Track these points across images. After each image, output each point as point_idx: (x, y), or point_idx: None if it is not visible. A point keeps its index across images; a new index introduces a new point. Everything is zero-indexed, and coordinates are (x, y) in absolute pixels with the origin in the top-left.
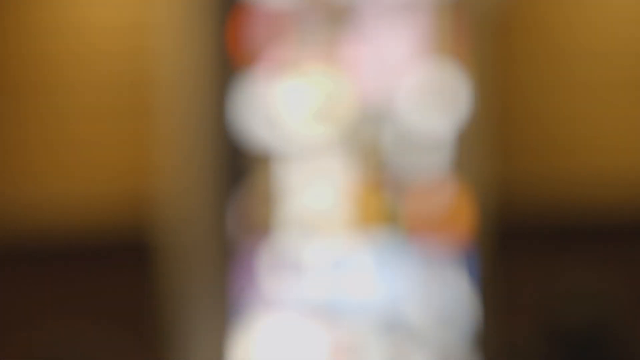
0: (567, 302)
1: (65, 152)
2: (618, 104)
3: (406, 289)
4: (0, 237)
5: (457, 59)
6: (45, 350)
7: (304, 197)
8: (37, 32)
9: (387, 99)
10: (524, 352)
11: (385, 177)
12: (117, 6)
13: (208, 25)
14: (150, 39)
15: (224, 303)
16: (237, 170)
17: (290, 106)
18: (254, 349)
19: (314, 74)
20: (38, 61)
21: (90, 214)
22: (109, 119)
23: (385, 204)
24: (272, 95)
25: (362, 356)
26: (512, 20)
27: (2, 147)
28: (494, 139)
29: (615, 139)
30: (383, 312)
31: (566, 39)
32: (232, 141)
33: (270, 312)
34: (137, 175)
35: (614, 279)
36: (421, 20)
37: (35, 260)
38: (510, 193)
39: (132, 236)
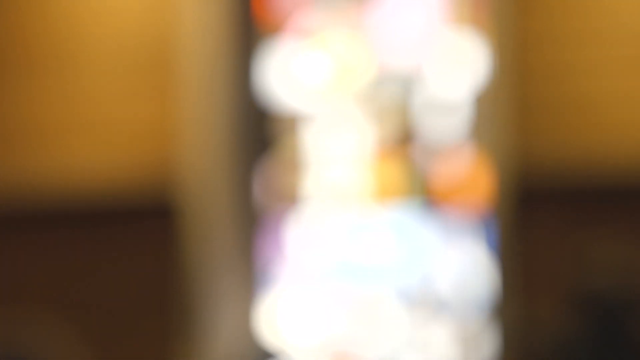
0: (590, 268)
1: (88, 116)
2: None
3: (426, 255)
4: (25, 202)
5: (476, 23)
6: (70, 314)
7: (329, 163)
8: None
9: (408, 64)
10: (543, 320)
11: (406, 143)
12: None
13: None
14: (175, 3)
15: (249, 269)
16: (262, 136)
17: (314, 71)
18: (280, 316)
19: (338, 40)
20: (61, 24)
21: (114, 178)
22: (133, 82)
23: (407, 170)
24: (297, 60)
25: (385, 324)
26: None
27: (24, 112)
28: (513, 103)
29: (638, 97)
30: (404, 280)
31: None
32: (258, 106)
33: (295, 279)
34: (162, 139)
35: (638, 243)
36: None
37: (59, 225)
38: (530, 157)
39: (156, 201)
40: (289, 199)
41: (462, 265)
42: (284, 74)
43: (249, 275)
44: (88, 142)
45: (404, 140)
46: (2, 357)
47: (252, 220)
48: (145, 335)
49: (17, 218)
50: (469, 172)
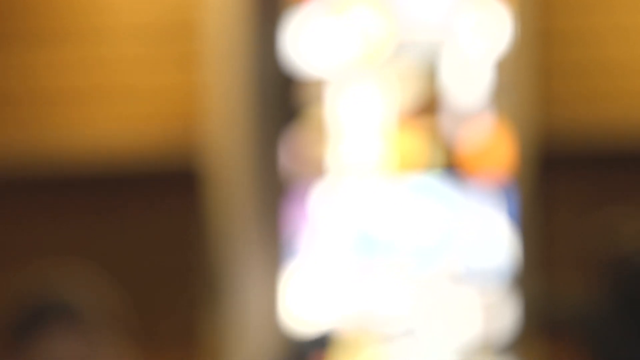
0: (613, 237)
1: (114, 84)
2: None
3: (449, 224)
4: (53, 168)
5: None
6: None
7: (354, 132)
8: None
9: (431, 31)
10: (565, 290)
11: (430, 111)
12: None
13: None
14: None
15: (274, 238)
16: (287, 104)
17: (338, 38)
18: (304, 287)
19: (362, 6)
20: (84, 7)
21: (139, 145)
22: (157, 49)
23: (430, 139)
24: (321, 27)
25: (407, 295)
26: None
27: (50, 80)
28: (536, 69)
29: None
30: (427, 250)
31: None
32: (283, 73)
33: (320, 249)
34: (187, 106)
35: None
36: None
37: (87, 191)
38: (552, 124)
39: (181, 168)
40: (315, 168)
41: (483, 234)
42: (308, 41)
43: (274, 244)
44: (113, 109)
45: (427, 108)
46: (45, 306)
47: (277, 189)
48: (170, 303)
49: (44, 184)
50: (490, 139)
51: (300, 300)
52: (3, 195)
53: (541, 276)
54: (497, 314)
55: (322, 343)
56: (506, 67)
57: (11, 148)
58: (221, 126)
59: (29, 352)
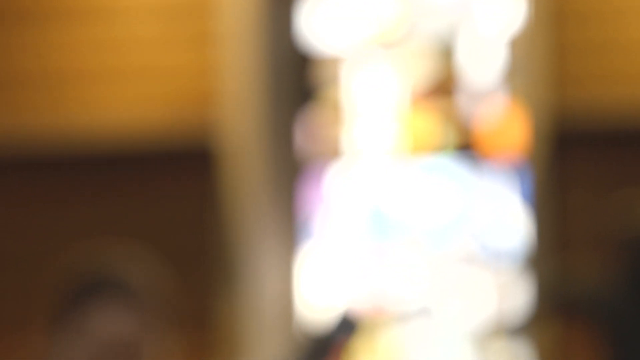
0: (627, 216)
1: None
2: None
3: (462, 204)
4: (69, 147)
5: None
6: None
7: (369, 112)
8: None
9: (446, 9)
10: (579, 270)
11: (444, 90)
12: None
13: None
14: None
15: (289, 216)
16: (303, 83)
17: (354, 17)
18: (318, 266)
19: None
20: None
21: (155, 123)
22: (172, 27)
23: (444, 118)
24: (337, 7)
25: (422, 274)
26: None
27: (69, 59)
28: (549, 48)
29: None
30: (441, 230)
31: None
32: (298, 51)
33: (335, 229)
34: (202, 84)
35: None
36: None
37: (101, 171)
38: (566, 103)
39: (198, 147)
40: (330, 149)
41: (497, 214)
42: (323, 19)
43: (289, 224)
44: (128, 89)
45: (441, 88)
46: (99, 282)
47: (292, 169)
48: (186, 284)
49: (57, 164)
50: (504, 119)
51: (316, 281)
52: (13, 175)
53: (555, 256)
54: (511, 294)
55: (337, 324)
56: (520, 46)
57: (23, 129)
58: (236, 105)
59: (82, 326)
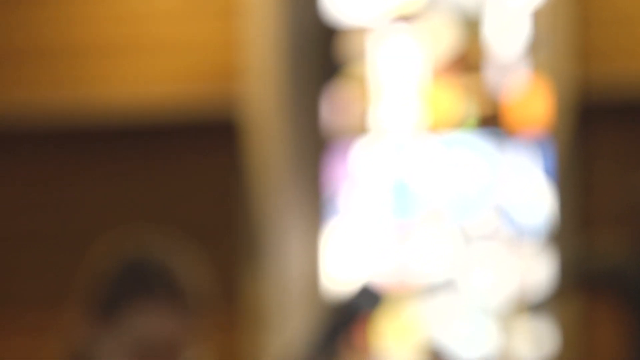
0: None
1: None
2: None
3: (486, 179)
4: (95, 119)
5: None
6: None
7: (394, 86)
8: None
9: None
10: (602, 245)
11: (467, 63)
12: None
13: None
14: None
15: (315, 192)
16: (328, 58)
17: None
18: (345, 240)
19: None
20: None
21: (181, 96)
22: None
23: (466, 93)
24: None
25: (443, 249)
26: None
27: (96, 31)
28: (573, 19)
29: None
30: (464, 205)
31: None
32: (324, 24)
33: (360, 203)
34: (228, 57)
35: None
36: None
37: (129, 143)
38: (590, 76)
39: (223, 120)
40: (355, 124)
41: (521, 188)
42: None
43: (314, 198)
44: (153, 62)
45: (465, 63)
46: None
47: (318, 143)
48: (211, 253)
49: (87, 131)
50: (527, 92)
51: (341, 256)
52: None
53: (579, 231)
54: (535, 268)
55: (363, 298)
56: (544, 19)
57: (44, 103)
58: (261, 79)
59: (124, 321)
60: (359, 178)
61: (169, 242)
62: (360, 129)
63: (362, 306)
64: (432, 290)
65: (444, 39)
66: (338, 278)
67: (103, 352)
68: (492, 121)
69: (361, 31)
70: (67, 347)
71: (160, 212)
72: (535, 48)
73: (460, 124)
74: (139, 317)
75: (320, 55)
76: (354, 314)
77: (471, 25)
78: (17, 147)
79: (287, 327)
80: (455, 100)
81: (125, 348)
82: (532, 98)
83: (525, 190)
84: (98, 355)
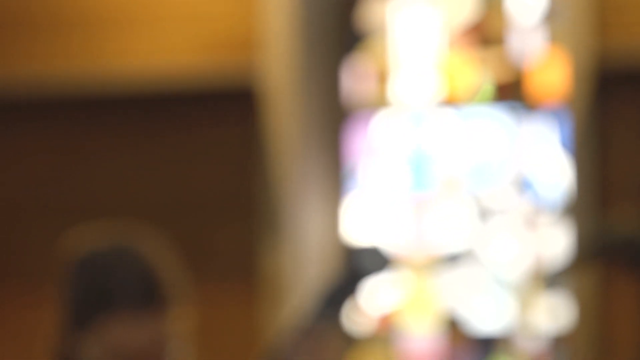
0: None
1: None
2: None
3: (504, 149)
4: (114, 87)
5: None
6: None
7: (413, 57)
8: None
9: None
10: (619, 216)
11: (486, 35)
12: None
13: None
14: None
15: (334, 163)
16: (349, 28)
17: None
18: (364, 212)
19: None
20: None
21: (201, 65)
22: None
23: (485, 63)
24: None
25: (462, 219)
26: None
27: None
28: None
29: None
30: (482, 174)
31: None
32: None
33: (380, 175)
34: (247, 23)
35: None
36: None
37: (147, 113)
38: (608, 43)
39: (243, 90)
40: (376, 96)
41: (538, 159)
42: None
43: (334, 170)
44: (172, 32)
45: (483, 31)
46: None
47: (338, 114)
48: (230, 225)
49: (104, 103)
50: (544, 61)
51: (360, 228)
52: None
53: (596, 201)
54: (552, 239)
55: (382, 269)
56: None
57: (62, 74)
58: (280, 48)
59: (101, 329)
60: (378, 150)
61: (143, 235)
62: (380, 101)
63: (368, 269)
64: (450, 262)
65: (463, 8)
66: (358, 249)
67: (85, 356)
68: (509, 92)
69: (381, 1)
70: (52, 350)
71: (178, 182)
72: (552, 17)
73: (478, 96)
74: (116, 324)
75: (339, 26)
76: (359, 277)
77: None
78: (37, 117)
79: (306, 299)
80: (473, 72)
81: (106, 353)
82: (549, 68)
83: (543, 161)
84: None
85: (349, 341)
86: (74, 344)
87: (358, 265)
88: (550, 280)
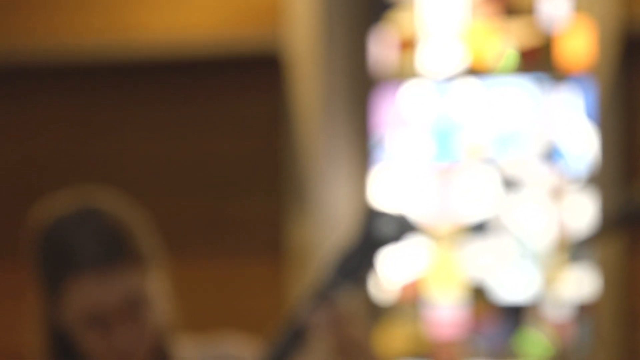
0: None
1: None
2: None
3: (530, 117)
4: (142, 53)
5: None
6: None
7: (440, 27)
8: None
9: None
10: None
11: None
12: None
13: None
14: None
15: (361, 134)
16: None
17: None
18: (391, 182)
19: None
20: None
21: (228, 30)
22: None
23: (510, 33)
24: None
25: (488, 189)
26: None
27: None
28: None
29: None
30: (507, 143)
31: None
32: None
33: (406, 145)
34: None
35: None
36: None
37: (170, 78)
38: (635, 11)
39: (270, 56)
40: (402, 67)
41: (563, 128)
42: None
43: (360, 139)
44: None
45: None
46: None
47: (365, 84)
48: (256, 190)
49: (129, 72)
50: (569, 29)
51: (387, 199)
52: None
53: (621, 172)
54: (577, 210)
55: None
56: None
57: (89, 42)
58: (307, 17)
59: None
60: (404, 119)
61: (111, 199)
62: (406, 71)
63: (389, 235)
64: (475, 231)
65: None
66: (384, 220)
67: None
68: (534, 61)
69: None
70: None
71: (204, 153)
72: None
73: (503, 65)
74: (85, 283)
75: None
76: (379, 244)
77: None
78: (62, 86)
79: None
80: (499, 40)
81: (81, 314)
82: (575, 37)
83: (568, 130)
84: (60, 320)
85: (374, 309)
86: (53, 311)
87: (379, 231)
88: (575, 249)
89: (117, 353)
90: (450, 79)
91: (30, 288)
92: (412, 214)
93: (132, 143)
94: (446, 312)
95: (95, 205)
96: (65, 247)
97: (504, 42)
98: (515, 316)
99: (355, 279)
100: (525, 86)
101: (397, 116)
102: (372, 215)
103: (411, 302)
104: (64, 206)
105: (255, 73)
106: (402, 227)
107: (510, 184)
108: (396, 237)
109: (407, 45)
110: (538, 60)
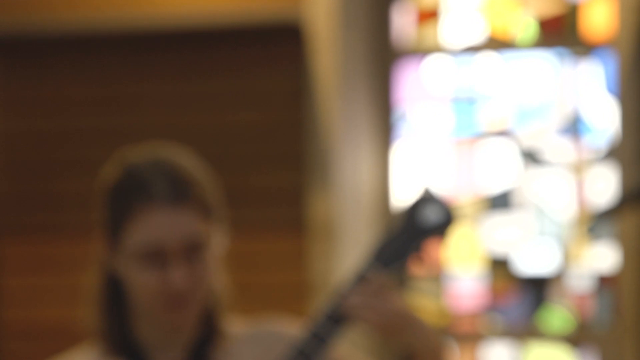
0: None
1: None
2: None
3: (550, 90)
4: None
5: None
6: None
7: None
8: None
9: None
10: None
11: None
12: None
13: None
14: None
15: (383, 107)
16: None
17: None
18: (413, 155)
19: None
20: None
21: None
22: None
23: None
24: None
25: (509, 163)
26: None
27: None
28: None
29: None
30: (527, 115)
31: None
32: None
33: (428, 119)
34: None
35: None
36: None
37: (197, 47)
38: None
39: (292, 25)
40: (424, 41)
41: (584, 101)
42: None
43: (382, 113)
44: None
45: None
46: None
47: (386, 58)
48: (278, 162)
49: (154, 40)
50: (590, 3)
51: (410, 173)
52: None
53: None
54: (597, 181)
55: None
56: None
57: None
58: None
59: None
60: (426, 94)
61: (182, 153)
62: (428, 44)
63: (435, 225)
64: (497, 205)
65: None
66: (407, 196)
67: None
68: (555, 34)
69: None
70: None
71: (225, 125)
72: None
73: (524, 38)
74: (151, 213)
75: None
76: (425, 232)
77: None
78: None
79: (356, 246)
80: (520, 13)
81: (144, 243)
82: (596, 9)
83: (589, 103)
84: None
85: (401, 282)
86: (114, 253)
87: (424, 219)
88: (596, 222)
89: (171, 293)
90: (472, 51)
91: (95, 235)
92: (435, 187)
93: (152, 115)
94: (468, 285)
95: (169, 155)
96: (140, 179)
97: (524, 14)
98: (536, 289)
99: (395, 267)
100: (547, 58)
101: (418, 89)
102: (418, 202)
103: (435, 274)
104: (141, 154)
105: (277, 45)
106: (446, 218)
107: (531, 157)
108: (440, 228)
109: (428, 17)
110: (559, 31)
